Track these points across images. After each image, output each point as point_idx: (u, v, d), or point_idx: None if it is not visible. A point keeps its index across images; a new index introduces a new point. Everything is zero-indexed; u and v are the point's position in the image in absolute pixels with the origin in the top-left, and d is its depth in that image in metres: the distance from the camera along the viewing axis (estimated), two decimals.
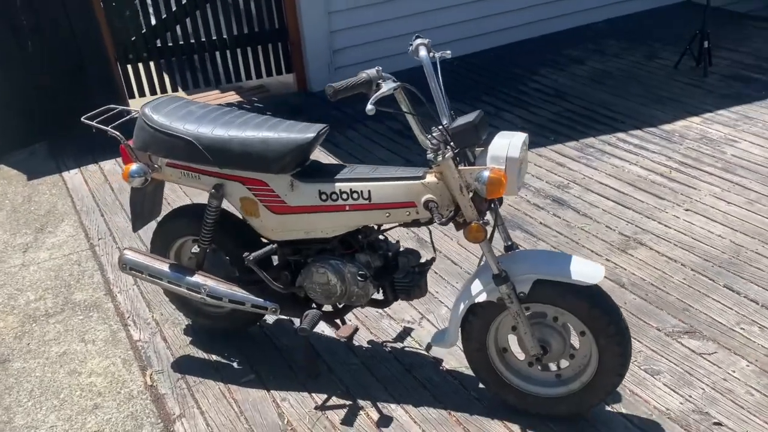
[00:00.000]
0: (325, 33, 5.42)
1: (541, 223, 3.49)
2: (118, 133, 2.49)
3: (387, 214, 2.20)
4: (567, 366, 2.25)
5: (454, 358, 2.61)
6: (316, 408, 2.43)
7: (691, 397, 2.36)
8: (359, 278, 2.30)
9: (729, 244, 3.19)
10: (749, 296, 2.84)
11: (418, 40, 2.22)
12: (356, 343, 2.73)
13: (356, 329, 2.41)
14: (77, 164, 4.52)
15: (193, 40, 5.28)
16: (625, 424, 2.27)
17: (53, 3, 4.57)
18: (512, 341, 2.29)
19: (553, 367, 2.29)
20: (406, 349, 2.69)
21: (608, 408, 2.33)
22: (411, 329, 2.78)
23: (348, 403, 2.44)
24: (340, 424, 2.35)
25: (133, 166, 2.41)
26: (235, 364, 2.66)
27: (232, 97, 5.64)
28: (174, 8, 5.13)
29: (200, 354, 2.73)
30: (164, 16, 5.14)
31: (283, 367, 2.63)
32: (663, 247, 3.22)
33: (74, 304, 3.10)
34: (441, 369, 2.57)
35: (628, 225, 3.41)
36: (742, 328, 2.66)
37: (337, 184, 2.23)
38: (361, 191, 2.20)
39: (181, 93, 5.53)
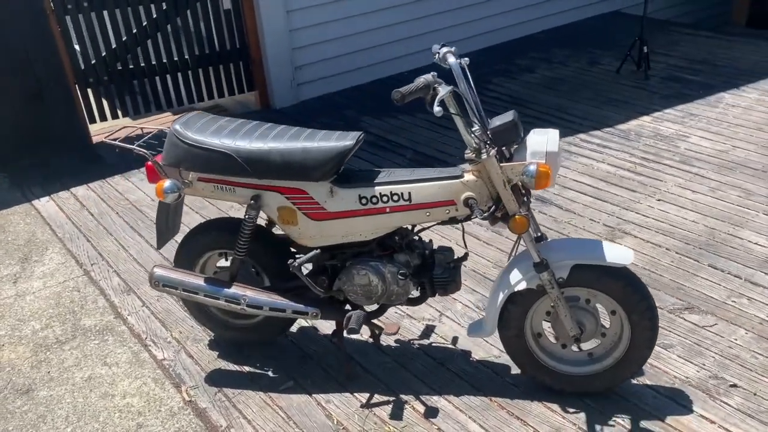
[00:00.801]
0: (287, 50, 5.49)
1: None
2: (146, 151, 2.50)
3: (427, 214, 2.32)
4: (599, 344, 2.43)
5: (481, 349, 2.74)
6: (362, 406, 2.50)
7: (704, 365, 2.59)
8: (400, 277, 2.41)
9: (704, 228, 3.49)
10: (732, 272, 3.12)
11: (445, 48, 2.36)
12: (384, 344, 2.82)
13: (399, 326, 2.51)
14: (46, 192, 4.39)
15: (154, 62, 5.24)
16: (653, 393, 2.47)
17: (8, 28, 4.45)
18: (544, 325, 2.45)
19: (585, 347, 2.47)
20: (434, 345, 2.80)
21: (634, 381, 2.52)
22: (433, 326, 2.90)
23: (392, 399, 2.53)
24: (390, 419, 2.44)
25: (167, 183, 2.43)
26: (270, 373, 2.70)
27: None
28: (134, 30, 5.08)
29: (232, 367, 2.75)
30: (124, 38, 5.08)
31: (318, 372, 2.69)
32: (646, 234, 3.48)
33: (85, 330, 3.04)
34: (471, 360, 2.70)
35: (610, 217, 3.67)
36: (733, 301, 2.93)
37: (377, 188, 2.33)
38: (402, 193, 2.32)
39: (126, 120, 5.47)
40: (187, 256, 2.69)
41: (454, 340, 2.81)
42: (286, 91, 5.61)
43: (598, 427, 2.34)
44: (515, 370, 2.62)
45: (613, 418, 2.37)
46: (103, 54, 5.02)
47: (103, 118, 5.18)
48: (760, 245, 3.30)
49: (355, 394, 2.57)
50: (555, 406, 2.44)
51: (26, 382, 2.73)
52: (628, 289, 2.26)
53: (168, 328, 3.01)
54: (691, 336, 2.74)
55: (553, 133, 2.19)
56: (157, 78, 5.27)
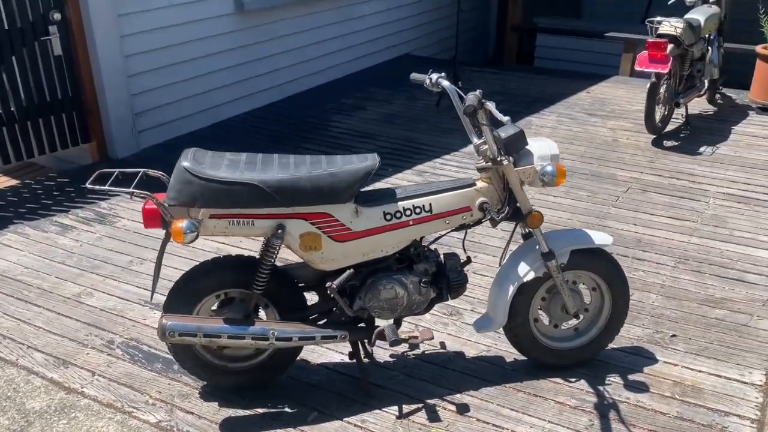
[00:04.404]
0: (126, 96, 5.19)
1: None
2: (147, 193, 2.33)
3: (446, 222, 2.54)
4: (582, 319, 2.84)
5: (470, 347, 2.99)
6: (397, 418, 2.58)
7: (643, 325, 3.15)
8: (422, 286, 2.57)
9: (580, 224, 4.16)
10: (620, 254, 3.78)
11: (435, 74, 2.63)
12: (381, 361, 2.91)
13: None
14: None
15: None
16: (623, 354, 2.94)
17: None
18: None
19: (570, 324, 2.85)
20: (427, 353, 2.97)
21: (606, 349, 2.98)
22: (413, 342, 3.06)
23: (420, 405, 2.65)
24: (430, 422, 2.56)
25: (184, 223, 2.29)
26: (287, 409, 2.63)
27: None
28: None
29: (242, 412, 2.62)
30: None
31: (335, 398, 2.69)
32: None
33: (39, 413, 2.63)
34: (468, 358, 2.93)
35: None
36: (632, 275, 3.57)
37: (399, 203, 2.49)
38: (423, 205, 2.51)
39: None
40: (185, 302, 2.52)
41: (443, 344, 3.02)
42: (127, 139, 5.27)
43: (600, 388, 2.74)
44: (509, 358, 2.91)
45: (607, 378, 2.79)
46: None
47: None
48: (627, 231, 4.05)
49: (384, 409, 2.63)
50: (558, 380, 2.78)
51: None
52: (609, 266, 2.71)
53: (141, 391, 2.74)
54: None
55: (548, 140, 2.57)
56: None
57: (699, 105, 6.33)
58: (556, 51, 8.81)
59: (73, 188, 4.71)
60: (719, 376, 2.81)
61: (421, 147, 5.46)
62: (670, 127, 5.73)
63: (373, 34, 7.63)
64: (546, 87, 7.10)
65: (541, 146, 2.54)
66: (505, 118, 2.35)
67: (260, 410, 2.63)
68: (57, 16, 4.76)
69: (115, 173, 2.42)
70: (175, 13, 5.35)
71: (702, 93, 5.98)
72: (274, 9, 6.19)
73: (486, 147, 2.48)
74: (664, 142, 5.52)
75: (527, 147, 2.54)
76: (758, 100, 6.25)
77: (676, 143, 5.51)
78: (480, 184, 2.54)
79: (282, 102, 6.50)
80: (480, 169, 2.55)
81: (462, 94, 2.52)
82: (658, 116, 5.44)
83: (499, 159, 2.47)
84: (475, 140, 2.53)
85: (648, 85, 5.26)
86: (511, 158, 2.48)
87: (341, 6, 7.04)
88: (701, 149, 5.36)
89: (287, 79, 6.57)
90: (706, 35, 5.74)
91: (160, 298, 3.26)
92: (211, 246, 3.85)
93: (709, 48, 5.82)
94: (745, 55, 6.78)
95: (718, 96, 6.56)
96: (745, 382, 2.77)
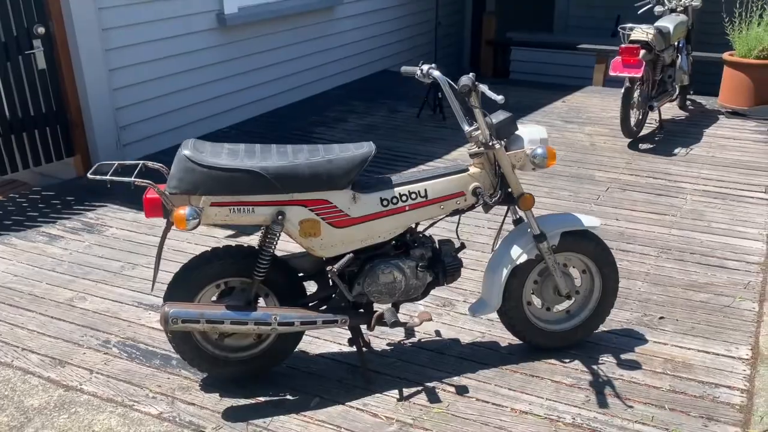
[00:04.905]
0: (111, 110, 5.22)
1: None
2: (148, 181, 2.37)
3: (441, 207, 2.61)
4: (573, 302, 2.91)
5: (465, 334, 3.05)
6: (399, 401, 2.62)
7: (632, 309, 3.24)
8: (419, 270, 2.63)
9: None
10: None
11: (426, 66, 2.72)
12: (378, 349, 2.95)
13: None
14: None
15: None
16: (614, 336, 3.02)
17: None
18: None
19: (562, 306, 2.92)
20: (423, 340, 3.02)
21: (596, 331, 3.05)
22: (410, 327, 3.11)
23: (420, 388, 2.69)
24: (431, 403, 2.60)
25: (187, 210, 2.33)
26: (288, 397, 2.66)
27: None
28: None
29: (243, 402, 2.63)
30: None
31: (335, 385, 2.72)
32: None
33: (38, 410, 2.62)
34: (463, 344, 2.98)
35: (489, 221, 4.26)
36: (619, 266, 3.66)
37: (396, 189, 2.56)
38: (419, 191, 2.58)
39: None
40: (186, 292, 2.54)
41: (438, 333, 3.07)
42: (112, 153, 5.28)
43: (594, 367, 2.80)
44: (504, 343, 2.97)
45: (600, 358, 2.86)
46: None
47: None
48: (609, 225, 4.16)
49: (384, 393, 2.67)
50: (553, 360, 2.85)
51: None
52: (599, 248, 2.80)
53: (140, 386, 2.74)
54: None
55: (537, 125, 2.67)
56: None
57: (671, 111, 6.53)
58: (531, 65, 9.03)
59: (59, 201, 4.70)
60: (707, 353, 2.89)
61: (403, 155, 5.55)
62: (644, 131, 5.90)
63: (353, 49, 7.76)
64: (522, 98, 7.26)
65: (531, 131, 2.63)
66: (499, 97, 2.44)
67: (262, 399, 2.65)
68: (41, 30, 4.79)
69: (115, 165, 2.46)
70: (159, 27, 5.41)
71: (674, 98, 6.18)
72: (255, 24, 6.29)
73: (478, 132, 2.56)
74: (640, 144, 5.68)
75: (517, 132, 2.63)
76: (727, 104, 6.47)
77: (652, 146, 5.67)
78: (473, 169, 2.62)
79: (265, 116, 6.57)
80: (472, 155, 2.63)
81: (453, 83, 2.61)
82: (633, 120, 5.61)
83: (491, 143, 2.56)
84: (467, 127, 2.61)
85: (623, 90, 5.43)
86: (502, 142, 2.57)
87: (321, 21, 7.16)
88: (676, 150, 5.53)
89: (270, 93, 6.65)
90: (675, 42, 5.95)
91: (155, 300, 3.30)
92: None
93: (679, 55, 6.04)
94: (713, 63, 7.03)
95: (688, 102, 6.78)
96: (732, 357, 2.86)
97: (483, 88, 2.49)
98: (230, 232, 4.06)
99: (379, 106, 6.94)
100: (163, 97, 5.58)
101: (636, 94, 5.52)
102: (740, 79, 6.27)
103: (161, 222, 2.50)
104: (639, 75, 5.26)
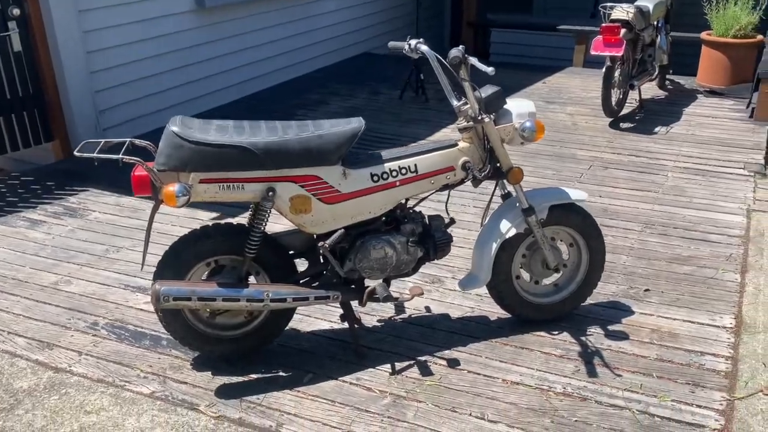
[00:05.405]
0: (89, 93, 5.14)
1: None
2: (136, 159, 2.35)
3: (431, 182, 2.62)
4: (561, 275, 2.94)
5: (455, 309, 3.07)
6: (391, 374, 2.64)
7: (617, 282, 3.28)
8: (410, 245, 2.64)
9: None
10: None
11: (414, 40, 2.71)
12: (369, 326, 2.96)
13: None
14: None
15: None
16: (601, 308, 3.06)
17: None
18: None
19: (550, 280, 2.95)
20: (413, 315, 3.04)
21: (583, 304, 3.08)
22: (402, 302, 3.12)
23: (411, 362, 2.71)
24: (423, 376, 2.62)
25: (176, 186, 2.32)
26: (281, 373, 2.66)
27: None
28: None
29: (236, 379, 2.63)
30: None
31: (327, 361, 2.73)
32: None
33: (28, 392, 2.59)
34: (453, 319, 3.00)
35: (480, 195, 4.28)
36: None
37: (386, 165, 2.56)
38: (408, 166, 2.58)
39: None
40: (177, 270, 2.53)
41: (428, 308, 3.09)
42: (91, 138, 5.07)
43: (583, 338, 2.84)
44: (494, 317, 3.00)
45: (588, 330, 2.90)
46: None
47: None
48: (593, 202, 4.20)
49: (377, 368, 2.68)
50: (542, 333, 2.88)
51: None
52: (586, 221, 2.83)
53: (131, 366, 2.73)
54: None
55: (525, 100, 2.68)
56: None
57: (651, 91, 6.59)
58: (511, 46, 9.04)
59: (39, 186, 4.63)
60: (692, 322, 2.95)
61: (387, 137, 5.54)
62: (625, 111, 5.95)
63: (334, 31, 7.72)
64: (503, 79, 7.17)
65: (519, 105, 2.64)
66: (489, 69, 2.45)
67: (254, 376, 2.65)
68: (16, 11, 4.70)
69: (101, 143, 2.43)
70: (136, 9, 5.33)
71: (654, 77, 6.24)
72: (234, 6, 6.22)
73: (467, 106, 2.57)
74: (621, 124, 5.74)
75: (506, 106, 2.64)
76: (705, 84, 6.55)
77: (632, 125, 5.73)
78: (462, 144, 2.63)
79: (246, 98, 6.52)
80: (461, 130, 2.63)
81: (441, 58, 2.61)
82: (614, 99, 5.65)
83: (480, 117, 2.56)
84: (455, 102, 2.61)
85: (603, 69, 5.47)
86: (491, 116, 2.57)
87: (302, 3, 7.10)
88: (656, 129, 5.59)
89: (250, 76, 6.59)
90: (655, 22, 6.00)
91: (142, 282, 3.28)
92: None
93: (658, 34, 6.09)
94: (691, 43, 7.10)
95: (667, 82, 6.84)
96: (716, 326, 2.91)
97: (473, 60, 2.49)
98: (215, 214, 4.04)
99: (361, 89, 6.91)
100: (142, 80, 5.51)
101: (617, 73, 5.56)
102: (718, 58, 6.34)
103: (145, 205, 2.48)
104: (620, 54, 5.30)
